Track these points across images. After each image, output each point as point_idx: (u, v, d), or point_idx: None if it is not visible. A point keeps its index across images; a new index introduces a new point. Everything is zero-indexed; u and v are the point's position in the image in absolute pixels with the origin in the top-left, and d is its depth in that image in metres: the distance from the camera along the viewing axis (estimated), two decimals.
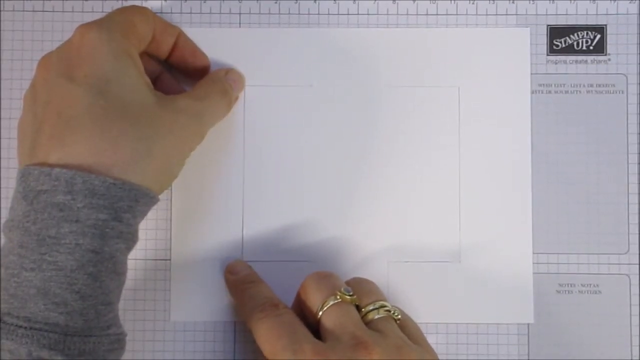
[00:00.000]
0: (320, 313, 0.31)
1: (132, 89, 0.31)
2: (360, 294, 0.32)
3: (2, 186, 0.37)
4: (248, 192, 0.37)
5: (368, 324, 0.31)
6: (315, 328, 0.31)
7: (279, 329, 0.30)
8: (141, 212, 0.31)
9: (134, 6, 0.35)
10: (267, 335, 0.30)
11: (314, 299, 0.32)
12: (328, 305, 0.31)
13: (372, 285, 0.34)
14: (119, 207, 0.30)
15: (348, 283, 0.33)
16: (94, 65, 0.30)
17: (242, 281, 0.35)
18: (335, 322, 0.30)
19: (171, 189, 0.37)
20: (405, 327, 0.32)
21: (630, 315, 0.36)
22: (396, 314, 0.32)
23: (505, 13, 0.38)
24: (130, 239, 0.31)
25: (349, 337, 0.29)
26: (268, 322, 0.31)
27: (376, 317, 0.31)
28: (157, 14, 0.36)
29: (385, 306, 0.32)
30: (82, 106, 0.30)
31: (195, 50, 0.37)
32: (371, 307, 0.32)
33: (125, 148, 0.30)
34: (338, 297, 0.31)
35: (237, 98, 0.37)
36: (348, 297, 0.31)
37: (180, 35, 0.36)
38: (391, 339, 0.30)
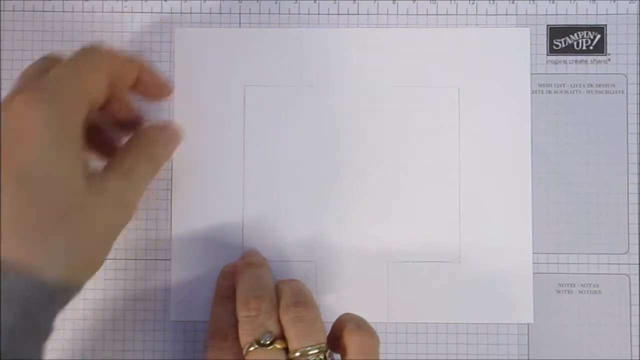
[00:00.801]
0: (245, 352, 0.30)
1: (64, 181, 0.28)
2: (292, 335, 0.30)
3: None
4: (248, 192, 0.37)
5: None
6: None
7: None
8: (59, 307, 0.29)
9: (86, 60, 0.31)
10: None
11: (240, 336, 0.31)
12: (252, 349, 0.30)
13: (308, 323, 0.31)
14: (34, 307, 0.27)
15: (285, 311, 0.31)
16: (26, 153, 0.28)
17: (218, 292, 0.35)
18: None
19: (171, 189, 0.37)
20: None
21: (630, 315, 0.37)
22: (328, 355, 0.30)
23: (505, 13, 0.38)
24: (46, 333, 0.29)
25: None
26: (211, 353, 0.32)
27: None
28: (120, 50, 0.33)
29: (320, 352, 0.30)
30: (6, 197, 0.27)
31: (158, 81, 0.35)
32: (308, 350, 0.30)
33: (48, 244, 0.28)
34: (257, 346, 0.30)
35: (168, 157, 0.35)
36: (269, 348, 0.30)
37: (143, 72, 0.34)
38: None
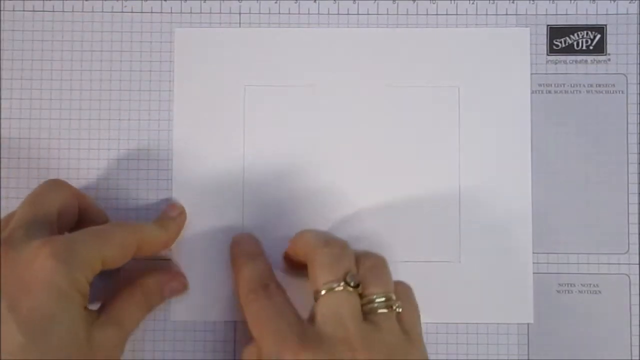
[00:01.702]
0: (321, 293, 0.30)
1: (70, 330, 0.29)
2: (367, 280, 0.30)
3: (2, 186, 0.37)
4: (248, 192, 0.37)
5: (367, 313, 0.30)
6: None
7: (267, 311, 0.30)
8: None
9: (112, 237, 0.32)
10: (255, 319, 0.30)
11: (317, 277, 0.30)
12: (330, 290, 0.30)
13: (380, 271, 0.31)
14: None
15: (358, 260, 0.31)
16: (40, 301, 0.29)
17: (240, 255, 0.34)
18: (331, 310, 0.29)
19: (171, 189, 0.37)
20: (403, 318, 0.31)
21: (630, 315, 0.37)
22: (397, 307, 0.31)
23: (505, 13, 0.38)
24: None
25: (340, 331, 0.29)
26: (257, 304, 0.31)
27: (377, 310, 0.30)
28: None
29: (389, 300, 0.30)
30: (15, 345, 0.28)
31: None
32: (374, 297, 0.30)
33: None
34: (342, 285, 0.30)
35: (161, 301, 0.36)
36: (352, 288, 0.30)
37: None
38: (384, 336, 0.29)
